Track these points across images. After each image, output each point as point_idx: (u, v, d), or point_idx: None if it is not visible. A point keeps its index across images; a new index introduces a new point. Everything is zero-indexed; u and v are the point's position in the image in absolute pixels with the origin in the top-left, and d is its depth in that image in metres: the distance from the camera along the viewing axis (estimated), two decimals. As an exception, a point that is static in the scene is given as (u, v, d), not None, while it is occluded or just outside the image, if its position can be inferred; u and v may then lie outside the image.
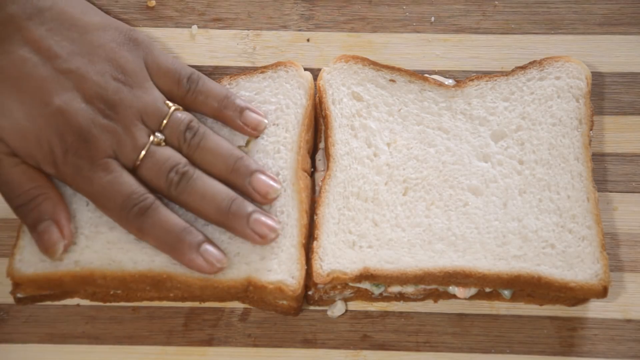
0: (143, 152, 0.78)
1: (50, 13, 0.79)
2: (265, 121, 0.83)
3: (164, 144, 0.79)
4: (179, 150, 0.79)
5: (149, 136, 0.79)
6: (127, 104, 0.78)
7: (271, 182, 0.80)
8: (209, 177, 0.79)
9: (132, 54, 0.80)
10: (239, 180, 0.79)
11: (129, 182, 0.77)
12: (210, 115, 0.82)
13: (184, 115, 0.80)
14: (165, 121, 0.79)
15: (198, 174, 0.78)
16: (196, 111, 0.82)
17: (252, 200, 0.80)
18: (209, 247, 0.77)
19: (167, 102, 0.80)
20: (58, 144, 0.77)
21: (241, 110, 0.82)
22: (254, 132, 0.82)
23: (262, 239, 0.78)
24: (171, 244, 0.77)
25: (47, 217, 0.77)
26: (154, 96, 0.80)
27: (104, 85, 0.78)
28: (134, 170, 0.78)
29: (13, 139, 0.77)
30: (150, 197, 0.77)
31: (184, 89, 0.81)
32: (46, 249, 0.77)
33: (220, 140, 0.80)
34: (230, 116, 0.82)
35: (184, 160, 0.79)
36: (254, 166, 0.80)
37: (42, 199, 0.78)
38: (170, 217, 0.77)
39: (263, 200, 0.79)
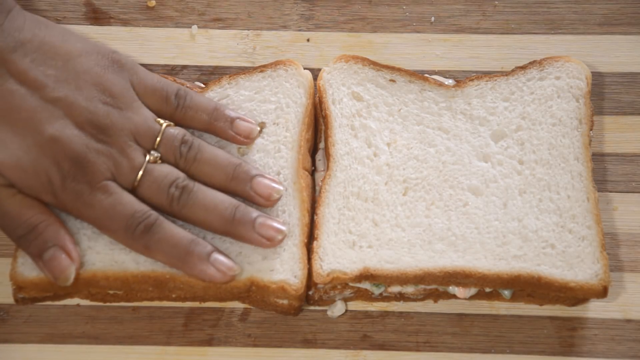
0: (141, 172, 0.78)
1: (31, 44, 0.79)
2: (257, 129, 0.83)
3: (160, 161, 0.79)
4: (175, 165, 0.79)
5: (145, 155, 0.79)
6: (118, 126, 0.78)
7: (273, 184, 0.80)
8: (209, 189, 0.79)
9: (117, 76, 0.80)
10: (239, 186, 0.79)
11: (130, 201, 0.77)
12: (201, 128, 0.82)
13: (176, 131, 0.80)
14: (158, 139, 0.79)
15: (198, 187, 0.79)
16: (187, 126, 0.82)
17: (255, 204, 0.80)
18: (219, 257, 0.77)
19: (158, 119, 0.80)
20: (55, 172, 0.77)
21: (232, 120, 0.82)
22: (246, 140, 0.82)
23: (270, 241, 0.78)
24: (180, 258, 0.77)
25: (52, 244, 0.77)
26: (144, 116, 0.80)
27: (93, 110, 0.78)
28: (133, 191, 0.78)
29: (10, 171, 0.76)
30: (154, 214, 0.77)
31: (173, 106, 0.81)
32: (57, 276, 0.77)
33: (216, 150, 0.81)
34: (222, 127, 0.82)
35: (182, 174, 0.79)
36: (254, 171, 0.80)
37: (43, 227, 0.77)
38: (176, 230, 0.77)
39: (266, 203, 0.80)
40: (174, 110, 0.81)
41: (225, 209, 0.78)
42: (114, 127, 0.78)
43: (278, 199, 0.80)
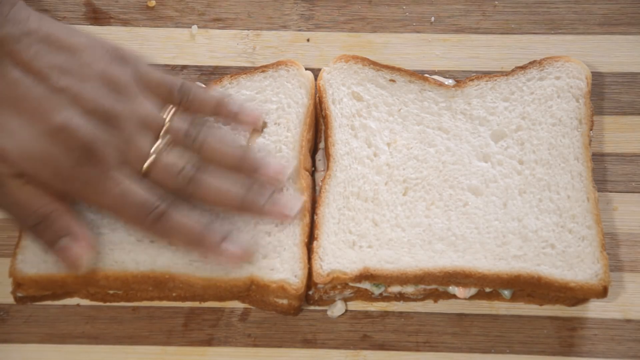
0: (149, 160, 0.78)
1: (37, 35, 0.79)
2: (262, 117, 0.83)
3: (168, 148, 0.79)
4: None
5: (152, 142, 0.79)
6: (125, 115, 0.78)
7: (281, 165, 0.80)
8: (219, 171, 0.79)
9: (121, 70, 0.80)
10: (248, 170, 0.80)
11: (139, 191, 0.77)
12: None
13: (182, 117, 0.80)
14: (165, 127, 0.79)
15: (207, 170, 0.79)
16: None
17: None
18: (233, 240, 0.78)
19: (164, 108, 0.80)
20: (64, 160, 0.76)
21: (235, 114, 0.82)
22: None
23: (286, 216, 0.79)
24: (196, 242, 0.77)
25: (65, 233, 0.77)
26: (150, 106, 0.80)
27: (99, 99, 0.78)
28: (143, 177, 0.78)
29: (20, 160, 0.76)
30: (163, 204, 0.77)
31: (176, 100, 0.81)
32: (71, 264, 0.77)
33: (222, 136, 0.81)
34: (225, 121, 0.82)
35: (191, 159, 0.79)
36: (261, 154, 0.80)
37: (55, 215, 0.77)
38: (187, 218, 0.77)
39: (276, 183, 0.80)
40: (178, 105, 0.81)
41: (239, 188, 0.78)
42: (121, 115, 0.78)
43: (287, 178, 0.80)
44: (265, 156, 0.80)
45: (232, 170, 0.79)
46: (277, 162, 0.80)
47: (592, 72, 0.87)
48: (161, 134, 0.79)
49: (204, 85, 0.87)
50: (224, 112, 0.82)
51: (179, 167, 0.78)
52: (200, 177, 0.78)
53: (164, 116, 0.80)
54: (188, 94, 0.81)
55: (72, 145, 0.76)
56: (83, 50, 0.80)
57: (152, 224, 0.77)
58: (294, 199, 0.80)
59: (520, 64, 0.87)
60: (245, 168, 0.79)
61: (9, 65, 0.77)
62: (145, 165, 0.78)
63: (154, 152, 0.78)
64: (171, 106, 0.81)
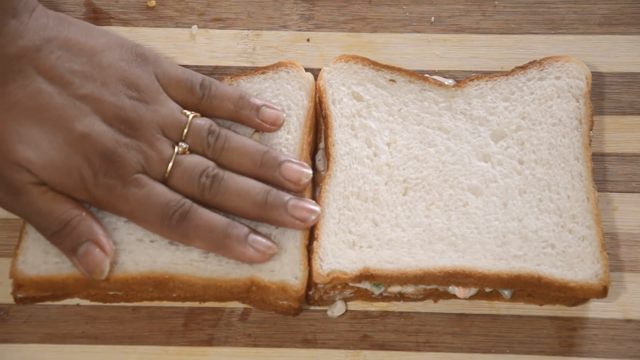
0: (170, 164, 0.79)
1: (56, 42, 0.80)
2: (283, 115, 0.83)
3: (188, 152, 0.80)
4: (204, 155, 0.80)
5: (173, 147, 0.79)
6: (146, 119, 0.79)
7: (302, 169, 0.80)
8: (239, 176, 0.80)
9: (141, 69, 0.81)
10: (269, 173, 0.80)
11: (163, 192, 0.78)
12: (227, 117, 0.83)
13: (203, 121, 0.81)
14: (186, 130, 0.80)
15: (228, 174, 0.79)
16: (212, 116, 0.83)
17: (285, 190, 0.80)
18: (256, 237, 0.78)
19: (184, 111, 0.81)
20: (87, 168, 0.77)
21: (257, 108, 0.83)
22: (272, 127, 0.83)
23: (303, 222, 0.79)
24: (218, 242, 0.77)
25: (85, 239, 0.77)
26: (171, 108, 0.81)
27: (120, 105, 0.79)
28: (164, 182, 0.79)
29: (43, 170, 0.77)
30: (188, 202, 0.78)
31: (198, 96, 0.82)
32: (91, 270, 0.77)
33: (242, 138, 0.81)
34: (247, 115, 0.82)
35: (212, 163, 0.79)
36: (282, 157, 0.80)
37: (76, 222, 0.78)
38: (211, 215, 0.78)
39: (296, 188, 0.80)
40: (200, 101, 0.82)
41: (257, 194, 0.79)
42: (142, 120, 0.79)
43: (307, 183, 0.80)
44: (286, 159, 0.80)
45: (251, 175, 0.80)
46: (297, 167, 0.80)
47: (592, 72, 0.87)
48: (182, 137, 0.80)
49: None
50: (246, 106, 0.82)
51: (199, 171, 0.79)
52: (220, 180, 0.79)
53: (185, 118, 0.80)
54: (209, 89, 0.82)
55: (93, 153, 0.77)
56: (102, 52, 0.80)
57: (177, 223, 0.77)
58: (312, 206, 0.79)
59: (520, 64, 0.87)
60: (265, 169, 0.80)
61: (32, 74, 0.78)
62: (167, 169, 0.78)
63: (174, 157, 0.79)
64: (192, 109, 0.81)
